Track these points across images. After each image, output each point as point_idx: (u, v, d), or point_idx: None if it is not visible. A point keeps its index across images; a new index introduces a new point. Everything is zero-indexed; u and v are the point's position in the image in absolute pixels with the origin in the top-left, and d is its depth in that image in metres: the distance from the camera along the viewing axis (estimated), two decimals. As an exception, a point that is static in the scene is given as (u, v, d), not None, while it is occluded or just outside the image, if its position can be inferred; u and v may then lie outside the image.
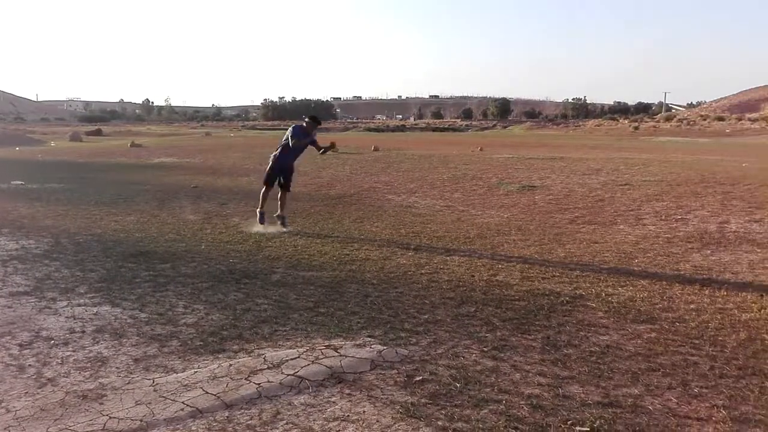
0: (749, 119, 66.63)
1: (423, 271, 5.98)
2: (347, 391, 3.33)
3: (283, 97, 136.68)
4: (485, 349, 3.96)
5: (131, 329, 4.34)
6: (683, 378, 3.50)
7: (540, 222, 8.74)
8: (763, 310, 4.71)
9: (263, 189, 8.50)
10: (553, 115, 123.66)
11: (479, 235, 7.87)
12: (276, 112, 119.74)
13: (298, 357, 3.74)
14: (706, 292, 5.21)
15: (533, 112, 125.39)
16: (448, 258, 6.52)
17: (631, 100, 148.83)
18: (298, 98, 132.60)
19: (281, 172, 8.47)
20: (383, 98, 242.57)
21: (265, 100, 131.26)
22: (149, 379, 3.48)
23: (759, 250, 6.79)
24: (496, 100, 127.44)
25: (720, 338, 4.15)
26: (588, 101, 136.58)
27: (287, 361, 3.69)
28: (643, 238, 7.46)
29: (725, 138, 41.09)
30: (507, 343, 4.07)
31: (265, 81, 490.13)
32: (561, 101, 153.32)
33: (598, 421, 2.96)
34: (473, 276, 5.81)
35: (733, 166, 17.22)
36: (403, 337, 4.17)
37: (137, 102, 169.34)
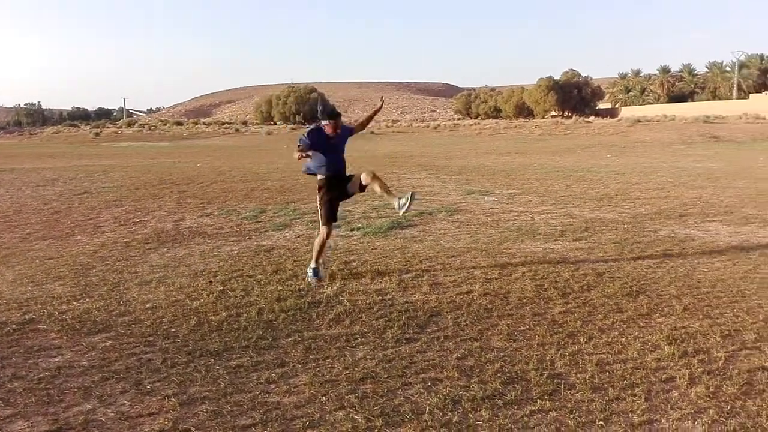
0: (204, 123, 74.04)
1: None
2: None
3: None
4: None
5: None
6: (137, 378, 3.56)
7: (-17, 245, 7.57)
8: (211, 294, 5.21)
9: (323, 236, 5.63)
10: (5, 122, 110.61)
11: None
12: None
13: None
14: (162, 288, 5.45)
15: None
16: None
17: (92, 106, 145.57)
18: None
19: (340, 186, 5.65)
20: None
21: None
22: None
23: (210, 241, 7.52)
24: None
25: (173, 329, 4.39)
26: (44, 107, 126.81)
27: None
28: (101, 246, 7.31)
29: (183, 141, 44.42)
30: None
31: None
32: (12, 107, 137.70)
33: (43, 455, 2.71)
34: None
35: (189, 166, 18.77)
36: None
37: None
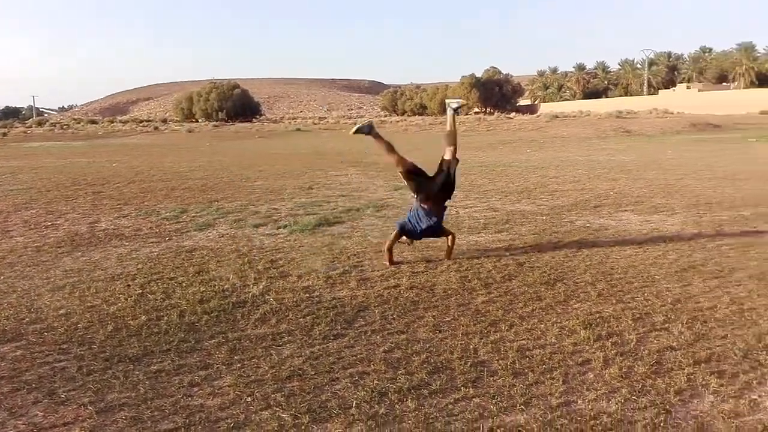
0: (120, 121, 71.12)
1: None
2: None
3: None
4: None
5: None
6: (50, 388, 3.38)
7: None
8: (129, 298, 5.01)
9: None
10: None
11: None
12: None
13: None
14: (77, 294, 5.20)
15: None
16: None
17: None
18: None
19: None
20: None
21: None
22: None
23: (127, 243, 7.23)
24: None
25: (89, 336, 4.20)
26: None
27: None
28: (10, 251, 6.90)
29: (98, 140, 42.44)
30: None
31: None
32: None
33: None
34: None
35: (104, 166, 17.98)
36: None
37: None
